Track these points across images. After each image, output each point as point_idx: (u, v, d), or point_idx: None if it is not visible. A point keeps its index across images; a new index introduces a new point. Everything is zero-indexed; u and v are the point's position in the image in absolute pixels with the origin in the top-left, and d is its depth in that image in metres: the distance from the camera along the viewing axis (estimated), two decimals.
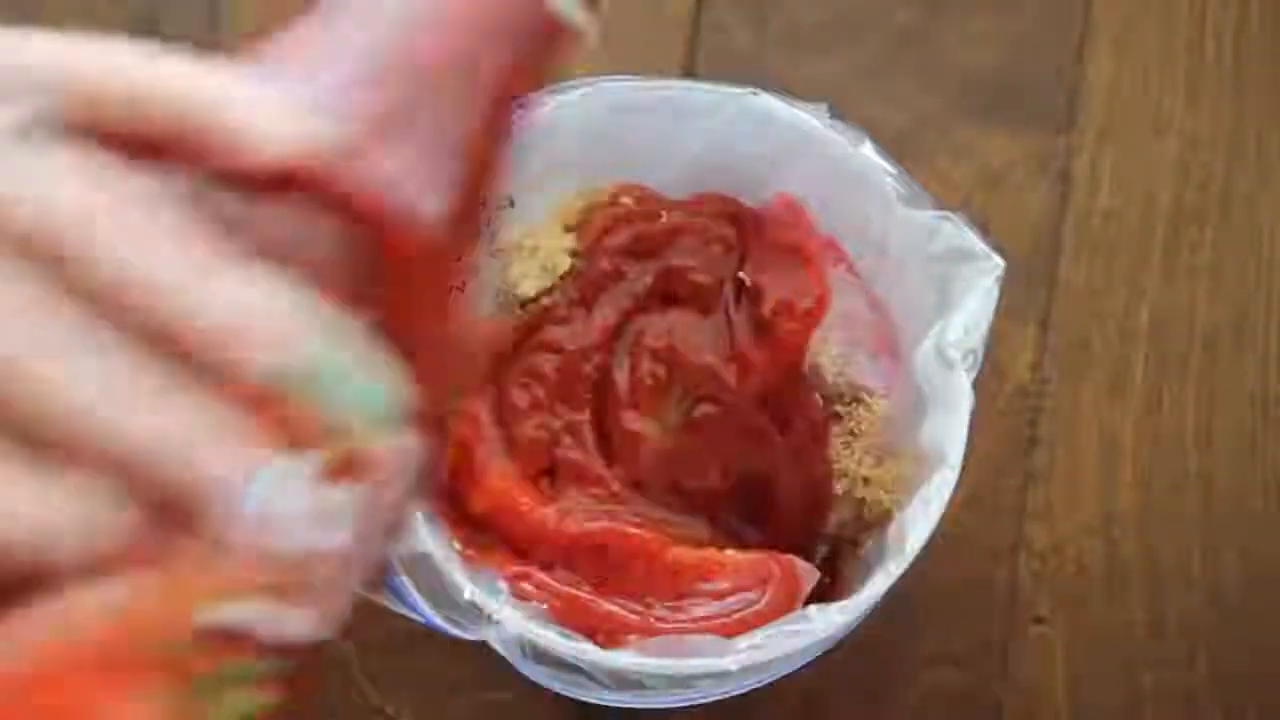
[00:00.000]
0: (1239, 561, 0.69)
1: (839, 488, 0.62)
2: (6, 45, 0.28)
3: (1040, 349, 0.70)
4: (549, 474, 0.62)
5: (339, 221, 0.28)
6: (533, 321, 0.62)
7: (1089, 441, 0.70)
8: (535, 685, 0.55)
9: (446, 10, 0.30)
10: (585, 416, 0.63)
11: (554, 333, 0.62)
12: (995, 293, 0.57)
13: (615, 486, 0.63)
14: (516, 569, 0.58)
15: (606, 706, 0.56)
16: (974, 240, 0.57)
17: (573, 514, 0.60)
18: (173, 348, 0.27)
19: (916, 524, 0.55)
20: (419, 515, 0.51)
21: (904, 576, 0.55)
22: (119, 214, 0.27)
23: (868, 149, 0.59)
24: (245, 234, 0.28)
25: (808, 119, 0.59)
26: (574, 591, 0.58)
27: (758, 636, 0.54)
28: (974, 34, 0.72)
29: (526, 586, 0.57)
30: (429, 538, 0.51)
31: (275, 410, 0.27)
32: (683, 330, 0.64)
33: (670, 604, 0.58)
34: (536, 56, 0.32)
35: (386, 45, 0.29)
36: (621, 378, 0.64)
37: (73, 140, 0.27)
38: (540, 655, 0.54)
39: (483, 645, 0.54)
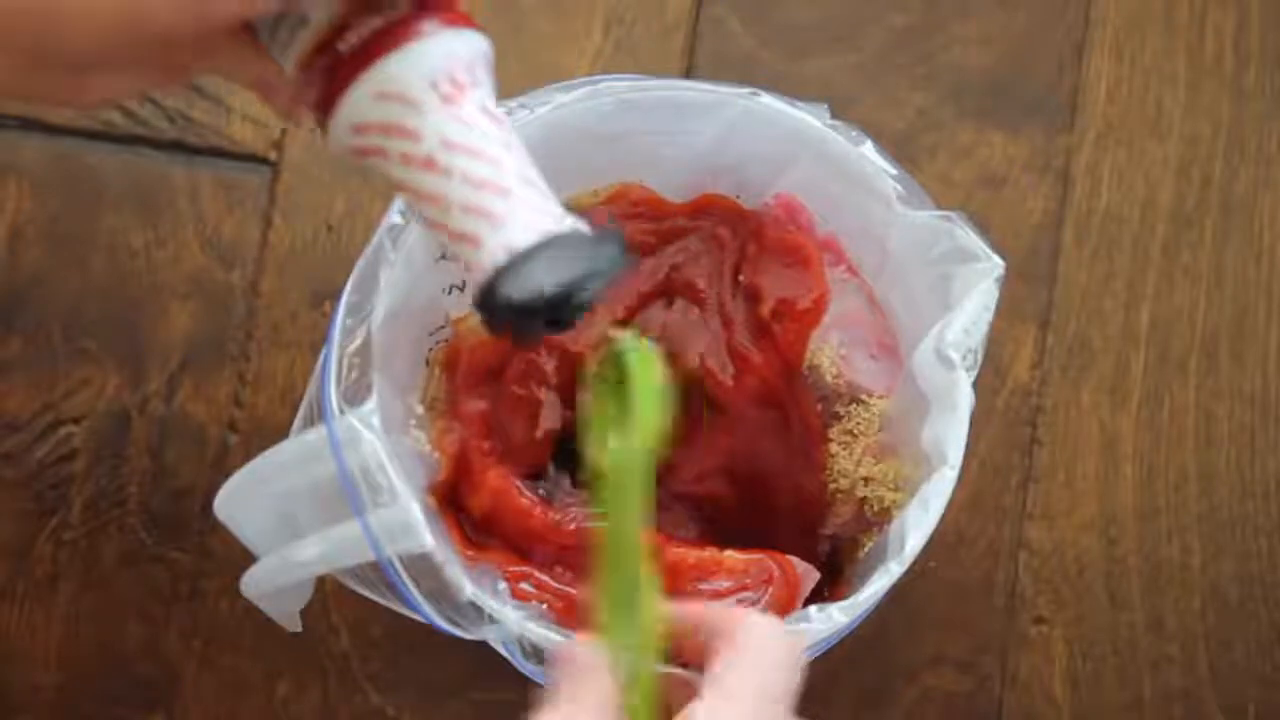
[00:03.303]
0: (1239, 561, 0.69)
1: (839, 487, 0.62)
2: None
3: (1040, 349, 0.71)
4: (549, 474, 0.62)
5: None
6: None
7: (1089, 441, 0.70)
8: (535, 685, 0.55)
9: None
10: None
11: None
12: (995, 293, 0.57)
13: None
14: (516, 569, 0.58)
15: None
16: (974, 240, 0.57)
17: (572, 514, 0.60)
18: None
19: (916, 524, 0.55)
20: (419, 515, 0.51)
21: (904, 576, 0.55)
22: None
23: (868, 149, 0.59)
24: None
25: (808, 119, 0.59)
26: (574, 591, 0.58)
27: None
28: (974, 34, 0.73)
29: (526, 586, 0.57)
30: (429, 538, 0.51)
31: None
32: (682, 330, 0.64)
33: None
34: None
35: None
36: None
37: None
38: (540, 655, 0.54)
39: (483, 645, 0.54)
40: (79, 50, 0.41)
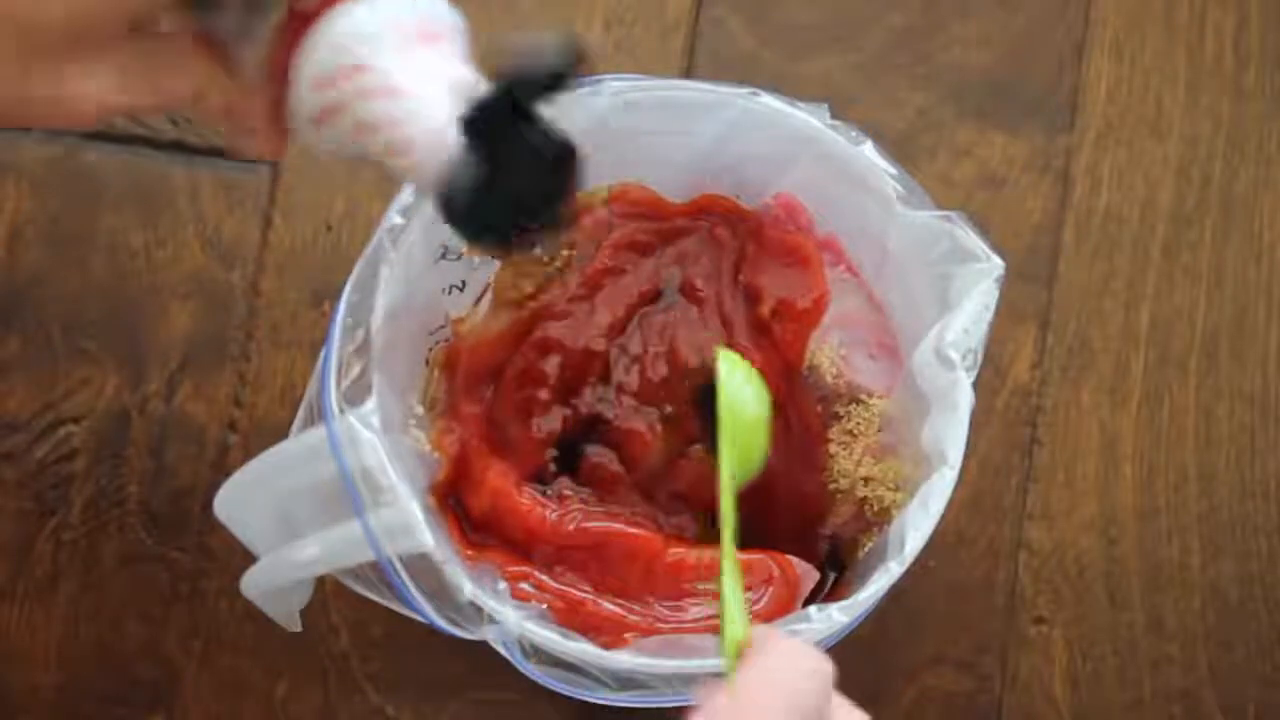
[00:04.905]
0: (1239, 561, 0.69)
1: (839, 487, 0.62)
2: None
3: (1040, 349, 0.71)
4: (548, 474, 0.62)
5: None
6: (532, 320, 0.62)
7: (1089, 441, 0.70)
8: (535, 685, 0.55)
9: None
10: (585, 416, 0.63)
11: (554, 330, 0.62)
12: (995, 293, 0.57)
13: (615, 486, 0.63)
14: (516, 569, 0.58)
15: (606, 706, 0.56)
16: (974, 240, 0.57)
17: (572, 514, 0.60)
18: None
19: (916, 524, 0.55)
20: (419, 515, 0.51)
21: (904, 576, 0.55)
22: None
23: (868, 149, 0.59)
24: None
25: (808, 119, 0.59)
26: (574, 591, 0.58)
27: None
28: (974, 34, 0.73)
29: (526, 586, 0.57)
30: (429, 538, 0.51)
31: None
32: (682, 330, 0.64)
33: (670, 604, 0.58)
34: None
35: None
36: (620, 378, 0.64)
37: None
38: (540, 655, 0.54)
39: (483, 645, 0.54)
40: (56, 22, 0.42)
